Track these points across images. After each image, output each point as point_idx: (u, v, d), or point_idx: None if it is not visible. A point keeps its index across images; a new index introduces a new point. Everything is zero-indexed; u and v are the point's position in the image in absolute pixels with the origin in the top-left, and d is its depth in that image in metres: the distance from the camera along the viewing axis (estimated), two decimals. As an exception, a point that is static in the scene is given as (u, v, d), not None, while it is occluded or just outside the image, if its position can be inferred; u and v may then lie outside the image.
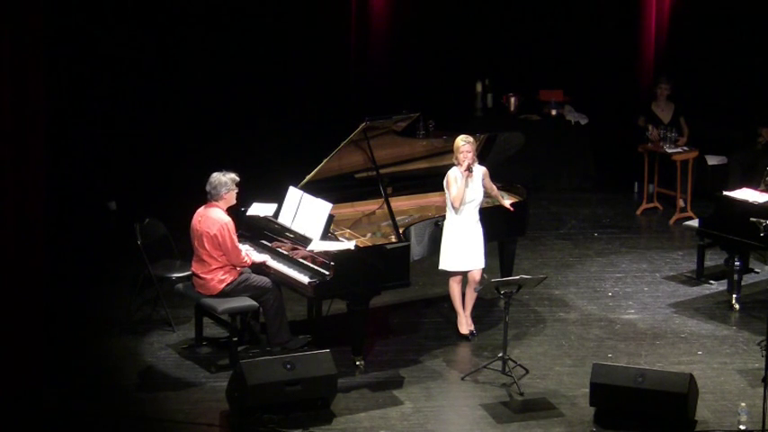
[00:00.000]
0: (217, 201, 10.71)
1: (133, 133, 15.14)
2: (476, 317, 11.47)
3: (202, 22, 15.68)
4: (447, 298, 11.50)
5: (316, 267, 10.58)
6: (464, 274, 11.24)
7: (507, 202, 11.64)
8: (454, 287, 11.28)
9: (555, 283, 12.67)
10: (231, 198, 10.78)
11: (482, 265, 11.22)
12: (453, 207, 11.06)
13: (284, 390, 9.79)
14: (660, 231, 14.53)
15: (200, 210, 10.79)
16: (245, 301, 10.71)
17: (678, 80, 15.11)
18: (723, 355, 11.11)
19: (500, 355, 10.53)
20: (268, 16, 15.92)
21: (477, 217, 11.15)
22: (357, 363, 10.66)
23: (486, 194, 11.32)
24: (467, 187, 11.01)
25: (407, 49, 16.29)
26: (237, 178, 10.77)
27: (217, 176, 10.73)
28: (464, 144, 11.02)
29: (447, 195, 11.11)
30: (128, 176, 14.57)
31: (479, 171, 11.16)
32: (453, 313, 11.42)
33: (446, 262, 11.18)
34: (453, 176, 11.05)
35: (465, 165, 10.97)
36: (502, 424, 9.87)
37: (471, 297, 11.32)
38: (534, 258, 13.41)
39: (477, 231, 11.16)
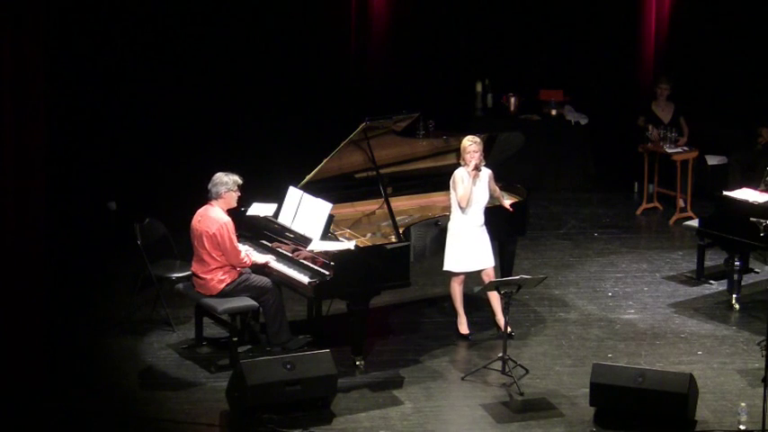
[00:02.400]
0: (216, 200, 10.70)
1: (133, 133, 15.13)
2: (475, 317, 11.46)
3: (202, 22, 15.67)
4: (447, 298, 11.50)
5: (316, 267, 10.58)
6: (468, 275, 11.22)
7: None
8: (455, 287, 11.27)
9: (555, 283, 12.66)
10: (230, 199, 10.77)
11: (492, 263, 11.20)
12: (460, 207, 11.04)
13: (284, 390, 9.78)
14: (660, 231, 14.53)
15: (201, 210, 10.78)
16: (245, 301, 10.70)
17: (678, 80, 15.10)
18: (723, 355, 11.10)
19: (500, 355, 10.53)
20: (268, 16, 15.91)
21: (482, 220, 11.11)
22: (357, 363, 10.65)
23: (490, 195, 11.31)
24: (474, 187, 11.00)
25: (407, 49, 16.28)
26: (240, 181, 10.75)
27: (219, 176, 10.73)
28: (471, 144, 11.00)
29: (452, 195, 11.08)
30: (128, 176, 14.55)
31: (485, 173, 11.14)
32: (454, 313, 11.42)
33: (451, 263, 11.15)
34: (460, 176, 11.03)
35: (472, 165, 10.96)
36: (502, 424, 9.87)
37: (495, 298, 11.20)
38: (534, 258, 13.41)
39: (483, 231, 11.14)
